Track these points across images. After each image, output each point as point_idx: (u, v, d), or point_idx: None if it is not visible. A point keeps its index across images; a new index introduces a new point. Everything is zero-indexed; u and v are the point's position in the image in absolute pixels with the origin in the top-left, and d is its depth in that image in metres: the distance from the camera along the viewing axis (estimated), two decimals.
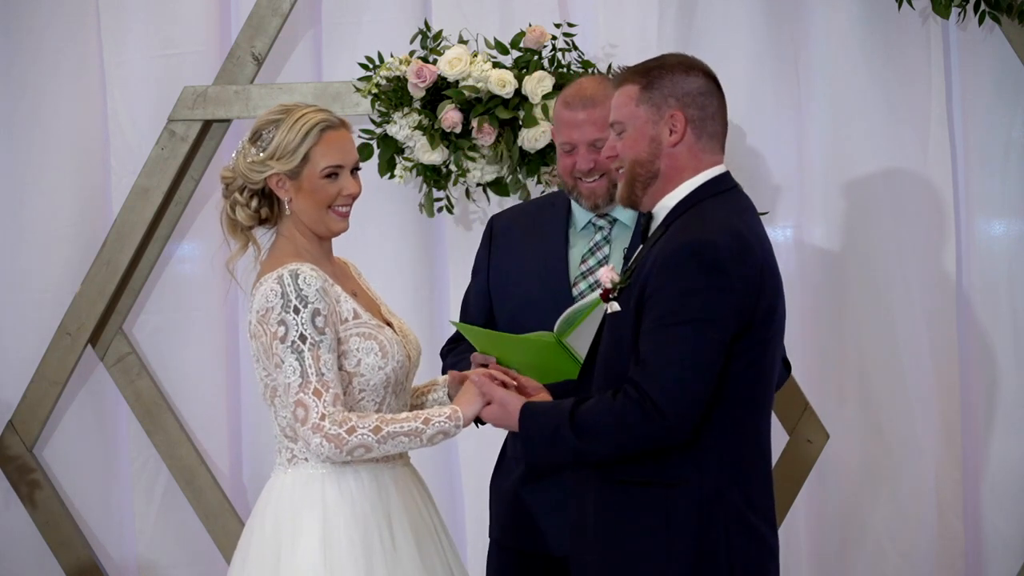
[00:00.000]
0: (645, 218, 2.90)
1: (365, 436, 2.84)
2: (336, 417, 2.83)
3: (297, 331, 2.83)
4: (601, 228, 3.45)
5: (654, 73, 2.83)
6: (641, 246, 2.88)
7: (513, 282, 3.48)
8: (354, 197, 3.01)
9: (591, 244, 3.45)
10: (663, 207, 2.84)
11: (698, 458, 2.73)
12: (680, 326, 2.68)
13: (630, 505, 2.77)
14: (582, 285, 3.41)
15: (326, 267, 2.96)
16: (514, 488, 3.46)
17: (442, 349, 3.59)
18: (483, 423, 3.01)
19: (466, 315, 3.55)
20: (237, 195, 2.98)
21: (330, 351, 2.85)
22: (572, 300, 3.37)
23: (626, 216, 3.44)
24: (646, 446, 2.71)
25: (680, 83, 2.82)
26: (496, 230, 3.59)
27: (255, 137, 2.96)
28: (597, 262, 3.42)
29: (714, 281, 2.69)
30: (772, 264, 2.82)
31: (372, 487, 2.92)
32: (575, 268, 3.44)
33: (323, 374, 2.84)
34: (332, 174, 2.96)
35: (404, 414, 2.89)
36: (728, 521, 2.74)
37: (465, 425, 2.92)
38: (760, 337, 2.75)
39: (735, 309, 2.70)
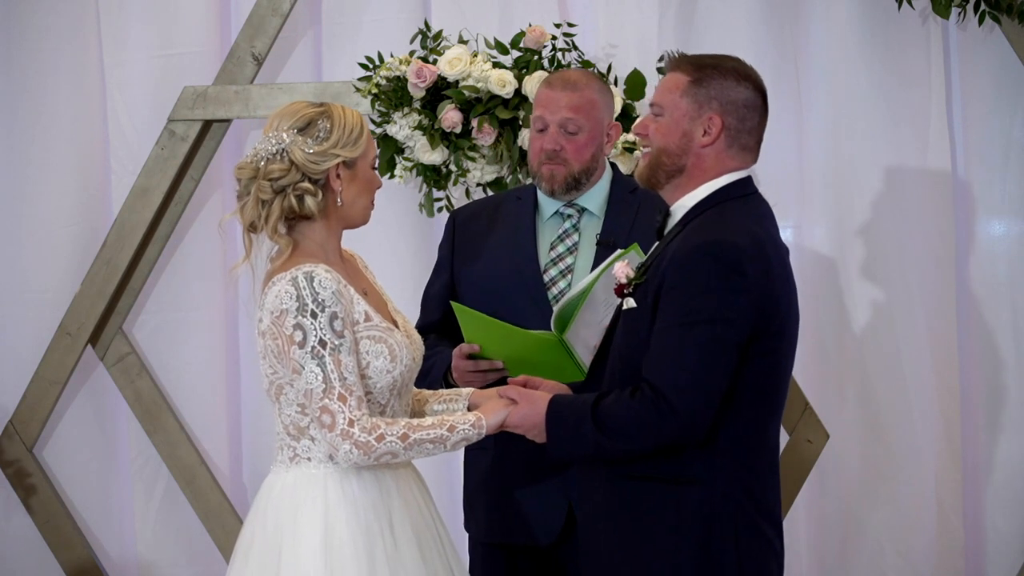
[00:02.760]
0: (661, 215, 2.91)
1: (393, 443, 2.83)
2: (364, 423, 2.81)
3: (316, 336, 2.80)
4: (570, 216, 3.48)
5: (707, 71, 2.82)
6: (657, 243, 2.89)
7: (481, 271, 3.48)
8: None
9: (560, 231, 3.48)
10: (681, 206, 2.85)
11: (711, 458, 2.74)
12: (695, 326, 2.68)
13: (640, 501, 2.77)
14: (552, 272, 3.44)
15: (339, 266, 2.95)
16: (488, 483, 3.47)
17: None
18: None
19: (426, 312, 3.53)
20: (304, 184, 2.88)
21: (350, 354, 2.82)
22: (544, 287, 3.41)
23: (595, 205, 3.47)
24: (662, 444, 2.72)
25: (729, 90, 2.81)
26: (459, 223, 3.60)
27: (306, 128, 2.89)
28: (566, 249, 3.46)
29: (731, 282, 2.69)
30: (787, 272, 2.83)
31: (374, 488, 2.90)
32: (544, 256, 3.47)
33: (346, 378, 2.81)
34: (374, 165, 3.00)
35: (429, 420, 2.89)
36: (737, 522, 2.74)
37: (488, 433, 2.91)
38: (776, 341, 2.76)
39: (751, 310, 2.70)
